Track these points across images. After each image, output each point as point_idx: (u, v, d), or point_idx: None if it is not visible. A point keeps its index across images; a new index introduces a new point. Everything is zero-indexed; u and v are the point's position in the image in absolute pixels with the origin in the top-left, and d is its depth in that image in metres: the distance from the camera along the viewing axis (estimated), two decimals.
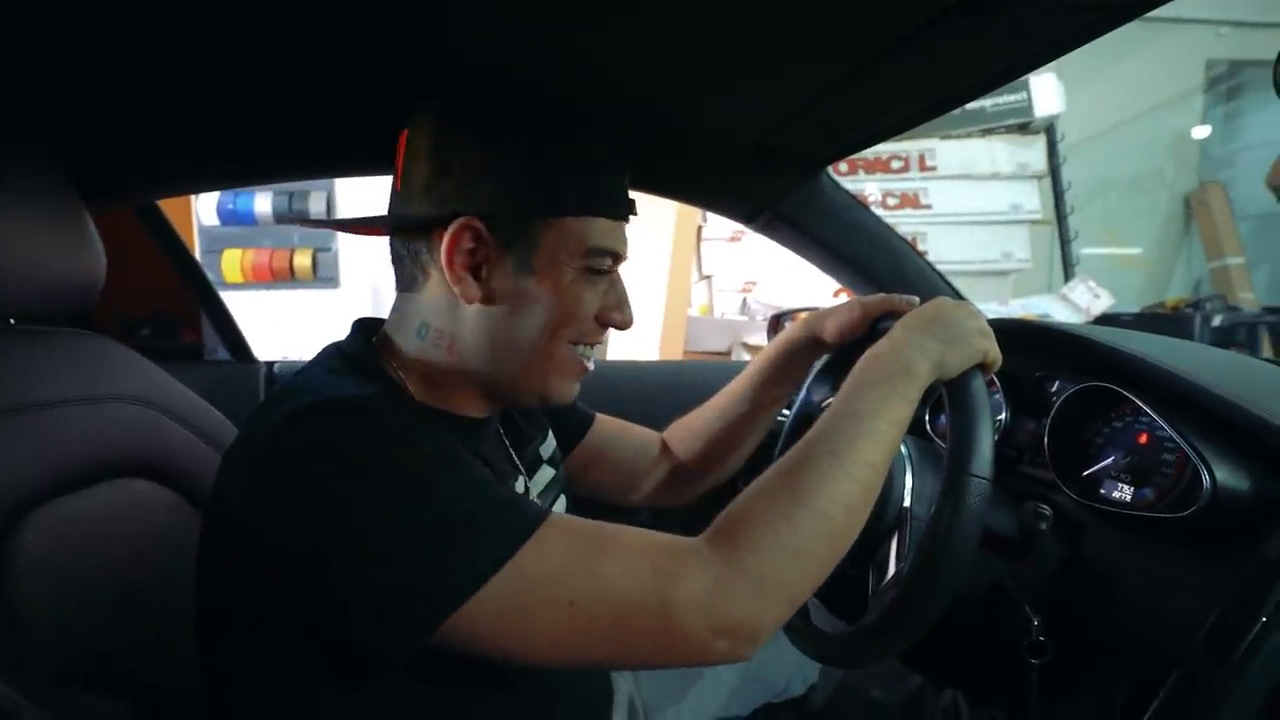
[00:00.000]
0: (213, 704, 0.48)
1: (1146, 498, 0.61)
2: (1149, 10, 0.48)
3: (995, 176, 2.54)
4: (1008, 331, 0.81)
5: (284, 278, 2.84)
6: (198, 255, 2.80)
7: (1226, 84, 3.86)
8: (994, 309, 2.55)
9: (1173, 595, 0.55)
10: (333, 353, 0.54)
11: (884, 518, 0.59)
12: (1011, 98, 2.52)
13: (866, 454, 0.47)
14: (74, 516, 0.53)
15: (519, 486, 0.60)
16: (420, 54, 0.54)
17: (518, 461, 0.62)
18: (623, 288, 0.57)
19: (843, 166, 2.57)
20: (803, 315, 1.15)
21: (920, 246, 2.53)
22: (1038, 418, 0.73)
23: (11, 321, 0.59)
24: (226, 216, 2.76)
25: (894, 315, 0.70)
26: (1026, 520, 0.62)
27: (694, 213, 2.49)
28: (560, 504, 0.66)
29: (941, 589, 0.50)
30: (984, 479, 0.50)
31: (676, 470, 0.81)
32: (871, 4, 0.46)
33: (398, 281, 0.55)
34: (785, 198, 0.91)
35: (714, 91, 0.63)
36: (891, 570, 0.57)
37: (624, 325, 0.57)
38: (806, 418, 0.82)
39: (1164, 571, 0.57)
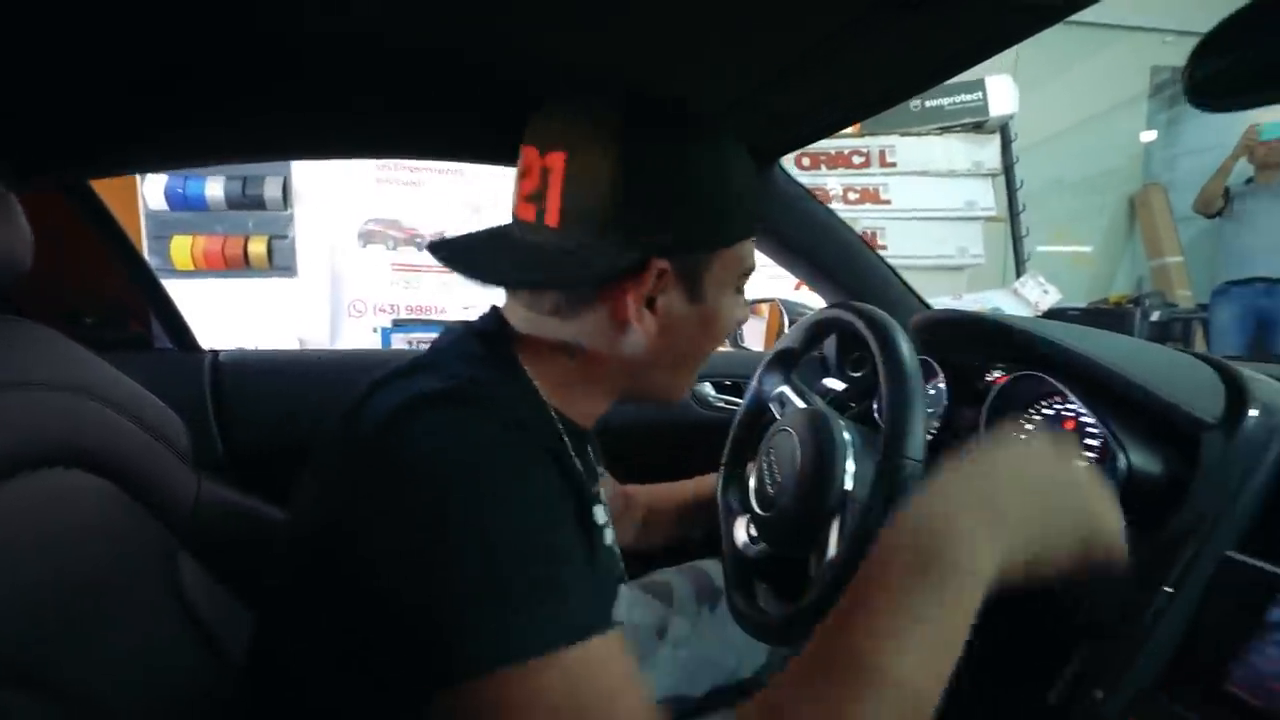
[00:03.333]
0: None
1: None
2: (1074, 13, 0.50)
3: (952, 174, 2.61)
4: (950, 323, 0.85)
5: (237, 266, 2.74)
6: (144, 241, 2.71)
7: (1170, 90, 4.03)
8: (948, 302, 2.62)
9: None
10: (461, 336, 0.52)
11: (826, 502, 0.61)
12: (968, 97, 2.59)
13: (899, 670, 0.36)
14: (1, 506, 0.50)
15: (601, 515, 0.59)
16: (348, 22, 0.52)
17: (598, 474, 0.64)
18: (744, 299, 0.59)
19: (805, 161, 2.61)
20: (767, 304, 1.17)
21: (880, 241, 2.59)
22: (976, 406, 0.76)
23: None
24: (176, 201, 2.66)
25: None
26: None
27: None
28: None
29: None
30: (916, 461, 0.53)
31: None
32: None
33: (533, 301, 0.51)
34: None
35: (662, 80, 0.64)
36: (831, 552, 0.59)
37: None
38: (757, 408, 0.84)
39: None
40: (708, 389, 1.19)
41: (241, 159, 0.87)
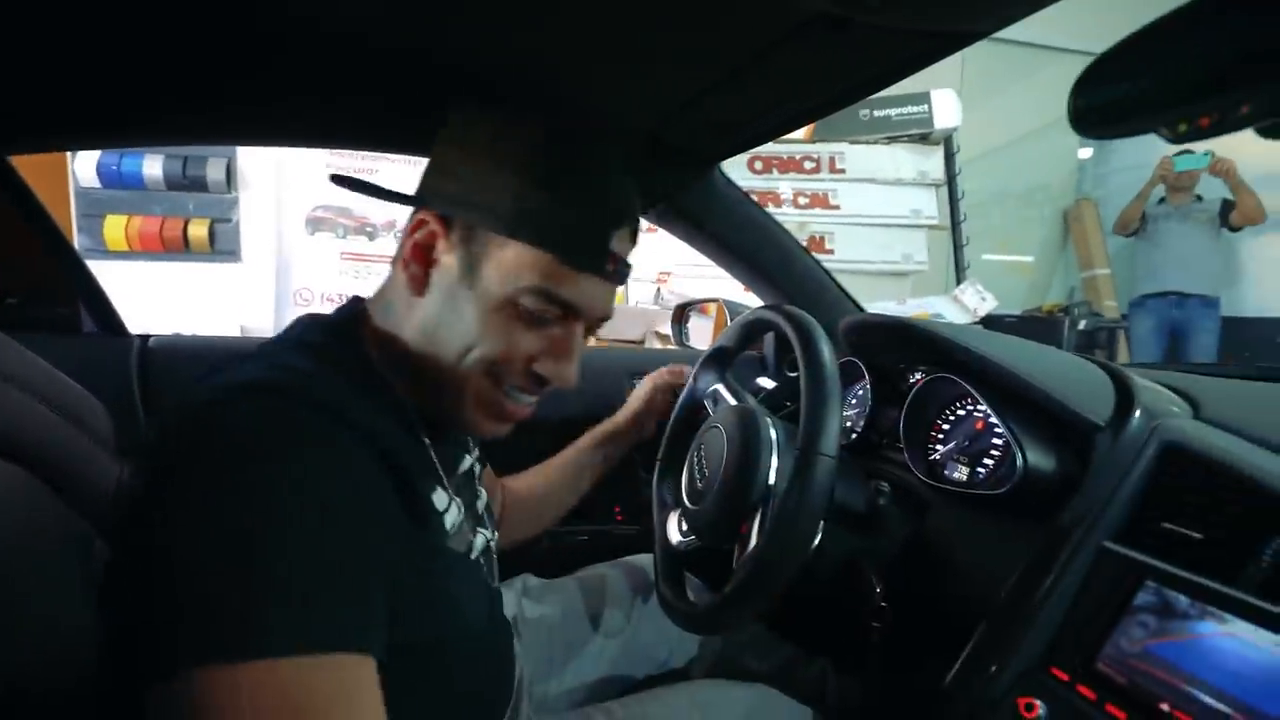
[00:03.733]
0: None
1: (978, 477, 0.68)
2: (980, 39, 0.53)
3: (899, 182, 2.70)
4: (877, 327, 0.88)
5: (176, 248, 2.63)
6: (74, 220, 2.58)
7: None
8: (893, 307, 2.71)
9: (989, 561, 0.62)
10: (305, 326, 0.53)
11: (749, 497, 0.63)
12: (914, 109, 2.68)
13: None
14: None
15: (464, 465, 0.61)
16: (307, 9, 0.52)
17: (466, 442, 0.64)
18: (576, 345, 0.54)
19: (758, 164, 2.66)
20: (714, 304, 1.20)
21: (828, 245, 2.66)
22: (898, 406, 0.80)
23: None
24: (110, 178, 2.54)
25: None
26: (869, 496, 0.69)
27: None
28: (483, 497, 0.66)
29: (791, 554, 0.55)
30: (829, 456, 0.56)
31: (506, 526, 0.84)
32: (740, 12, 0.50)
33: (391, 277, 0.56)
34: (678, 191, 0.95)
35: (601, 85, 0.65)
36: (753, 543, 0.61)
37: (558, 381, 0.53)
38: (693, 405, 0.87)
39: (985, 541, 0.65)
40: None
41: (152, 142, 0.86)
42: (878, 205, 2.71)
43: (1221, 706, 0.41)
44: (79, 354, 0.74)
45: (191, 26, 0.55)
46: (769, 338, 1.18)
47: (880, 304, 2.75)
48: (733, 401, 0.79)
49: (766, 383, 1.12)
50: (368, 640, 0.38)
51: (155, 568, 0.36)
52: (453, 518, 0.53)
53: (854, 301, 1.10)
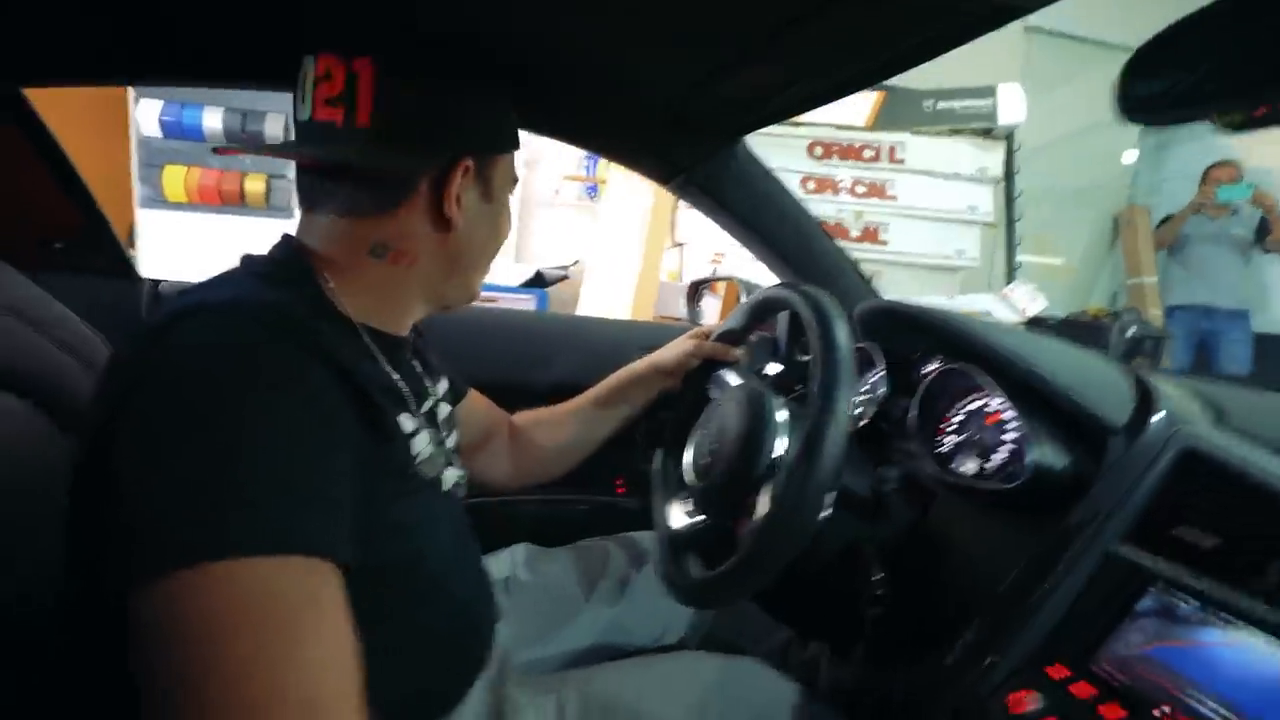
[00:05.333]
0: (70, 636, 0.45)
1: (986, 471, 0.66)
2: (1026, 14, 0.51)
3: (956, 176, 2.67)
4: (894, 313, 0.86)
5: (233, 202, 2.65)
6: (134, 168, 2.60)
7: None
8: (942, 302, 2.70)
9: (992, 555, 0.61)
10: (253, 262, 0.53)
11: (755, 469, 0.62)
12: (979, 102, 2.63)
13: None
14: None
15: (428, 402, 0.61)
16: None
17: (429, 378, 0.64)
18: None
19: (818, 150, 2.63)
20: (723, 282, 1.18)
21: (882, 236, 2.64)
22: (911, 395, 0.78)
23: None
24: (171, 129, 2.55)
25: (722, 363, 0.86)
26: (875, 483, 0.68)
27: None
28: (453, 438, 0.67)
29: (800, 524, 0.54)
30: (841, 424, 0.54)
31: (512, 457, 0.87)
32: None
33: (336, 207, 0.54)
34: (700, 164, 0.93)
35: (628, 56, 0.65)
36: (759, 513, 0.60)
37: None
38: (698, 389, 0.87)
39: (989, 535, 0.64)
40: None
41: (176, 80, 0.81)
42: (934, 198, 2.68)
43: (1224, 713, 0.41)
44: (90, 296, 0.75)
45: None
46: (782, 318, 1.13)
47: (928, 299, 2.74)
48: (737, 383, 0.78)
49: (773, 368, 1.10)
50: (332, 546, 0.38)
51: (123, 482, 0.37)
52: (421, 443, 0.55)
53: (871, 288, 1.07)
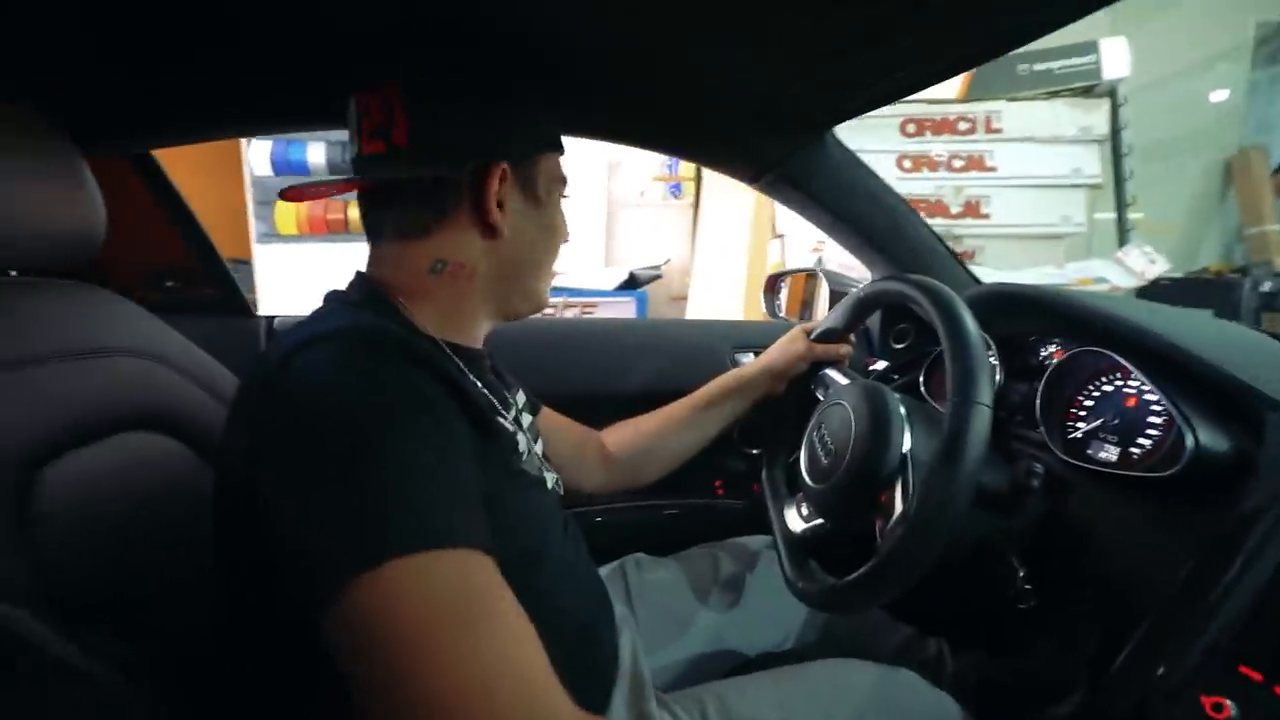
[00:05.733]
0: (231, 640, 0.49)
1: (1132, 458, 0.63)
2: None
3: (1057, 140, 2.54)
4: (1004, 297, 0.83)
5: (339, 230, 2.81)
6: (250, 207, 2.78)
7: (1273, 46, 3.82)
8: (1050, 272, 2.58)
9: (1148, 549, 0.58)
10: (340, 296, 0.57)
11: (884, 468, 0.61)
12: (1079, 60, 2.49)
13: None
14: (87, 469, 0.52)
15: (513, 410, 0.64)
16: (421, 6, 0.54)
17: (508, 395, 0.66)
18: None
19: (910, 128, 2.55)
20: (802, 274, 1.14)
21: (983, 210, 2.54)
22: (1030, 381, 0.75)
23: (12, 274, 0.58)
24: (280, 166, 2.71)
25: (832, 363, 0.84)
26: (1019, 477, 0.65)
27: None
28: (539, 445, 0.68)
29: (948, 512, 0.52)
30: (986, 405, 0.53)
31: (608, 470, 0.86)
32: None
33: (395, 232, 0.57)
34: (790, 159, 0.91)
35: (719, 51, 0.64)
36: (898, 510, 0.58)
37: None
38: (802, 390, 0.86)
39: (1142, 527, 0.60)
40: (749, 358, 1.18)
41: (302, 127, 0.86)
42: (1035, 165, 2.56)
43: None
44: (211, 334, 0.78)
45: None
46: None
47: (1036, 270, 2.62)
48: (846, 381, 0.77)
49: (878, 364, 1.07)
50: (487, 539, 0.41)
51: (281, 512, 0.39)
52: (524, 443, 0.58)
53: (969, 273, 1.04)
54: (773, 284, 1.17)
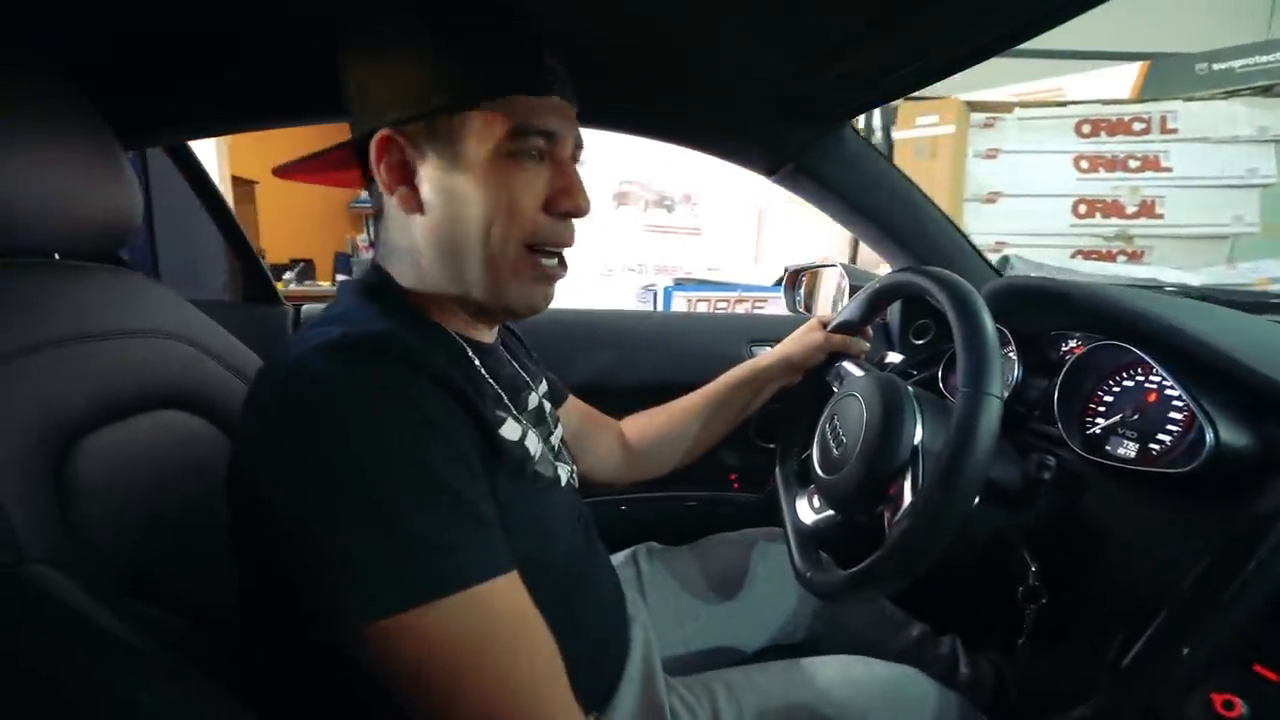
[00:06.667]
0: (246, 617, 0.51)
1: (1151, 454, 0.62)
2: None
3: (1235, 139, 2.52)
4: (1025, 290, 0.82)
5: None
6: None
7: None
8: (1222, 272, 2.56)
9: (1163, 545, 0.57)
10: (355, 287, 0.54)
11: (895, 459, 0.60)
12: (1263, 59, 2.47)
13: None
14: (121, 443, 0.54)
15: (532, 401, 0.61)
16: None
17: (529, 379, 0.64)
18: (572, 172, 0.53)
19: (1085, 128, 2.55)
20: (824, 268, 1.11)
21: (1158, 210, 2.54)
22: (1048, 375, 0.74)
23: (56, 257, 0.60)
24: None
25: (847, 356, 0.83)
26: (1030, 471, 0.64)
27: None
28: (558, 434, 0.67)
29: (958, 505, 0.51)
30: (997, 396, 0.52)
31: (627, 460, 0.86)
32: None
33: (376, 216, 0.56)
34: (807, 150, 0.90)
35: (737, 43, 0.63)
36: (908, 500, 0.58)
37: (578, 212, 0.53)
38: (813, 385, 0.86)
39: (1158, 523, 0.59)
40: (764, 351, 1.16)
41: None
42: (1209, 165, 2.54)
43: None
44: (240, 321, 0.81)
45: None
46: (894, 304, 1.09)
47: (1209, 269, 2.61)
48: (861, 374, 0.76)
49: (894, 357, 1.06)
50: (510, 561, 0.42)
51: (294, 536, 0.39)
52: (534, 445, 0.55)
53: (991, 266, 1.01)
54: (793, 279, 1.14)
